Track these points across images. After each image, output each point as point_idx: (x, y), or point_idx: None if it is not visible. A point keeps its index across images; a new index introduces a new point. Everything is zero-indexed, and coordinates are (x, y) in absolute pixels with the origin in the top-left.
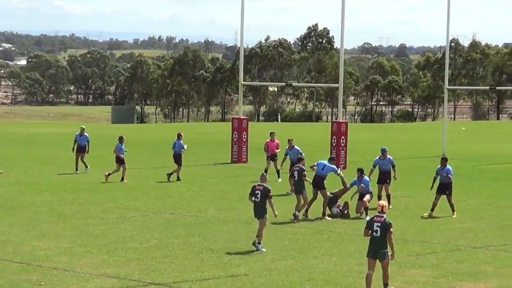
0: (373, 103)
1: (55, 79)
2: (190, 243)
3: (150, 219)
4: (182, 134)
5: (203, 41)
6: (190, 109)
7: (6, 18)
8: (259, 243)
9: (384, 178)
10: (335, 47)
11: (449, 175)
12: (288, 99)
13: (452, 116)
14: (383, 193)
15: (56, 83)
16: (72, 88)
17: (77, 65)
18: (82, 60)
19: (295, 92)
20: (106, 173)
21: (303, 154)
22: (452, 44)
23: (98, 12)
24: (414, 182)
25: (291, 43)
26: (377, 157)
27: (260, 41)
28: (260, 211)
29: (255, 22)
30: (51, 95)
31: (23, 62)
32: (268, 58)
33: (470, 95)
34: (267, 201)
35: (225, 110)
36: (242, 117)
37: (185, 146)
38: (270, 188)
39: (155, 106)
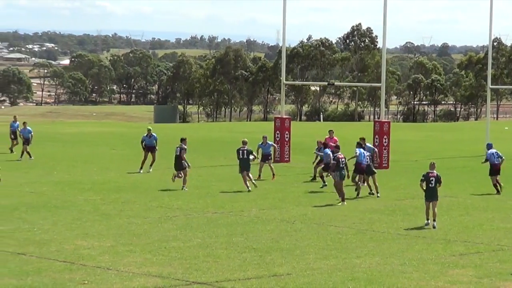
0: (415, 102)
1: (98, 78)
2: (232, 242)
3: (193, 218)
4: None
5: (245, 41)
6: (232, 109)
7: (49, 18)
8: (434, 220)
9: (496, 170)
10: (377, 46)
11: None
12: (330, 99)
13: (495, 115)
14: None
15: (99, 82)
16: (114, 87)
17: (119, 65)
18: (125, 60)
19: (337, 92)
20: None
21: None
22: (495, 44)
23: (139, 12)
24: (456, 182)
25: (333, 42)
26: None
27: (302, 40)
28: (435, 195)
29: (297, 21)
30: (94, 94)
31: (66, 61)
32: (310, 57)
33: None
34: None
35: (267, 110)
36: (284, 116)
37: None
38: (440, 175)
39: (197, 106)
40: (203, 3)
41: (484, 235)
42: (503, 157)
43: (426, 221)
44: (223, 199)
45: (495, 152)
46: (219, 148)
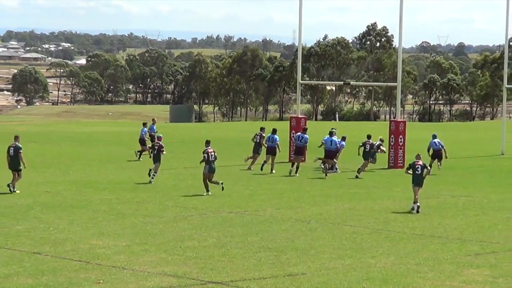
0: (431, 102)
1: (113, 78)
2: (248, 242)
3: (208, 218)
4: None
5: (261, 40)
6: (248, 108)
7: (65, 18)
8: (416, 202)
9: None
10: (393, 46)
11: None
12: (346, 98)
13: (511, 115)
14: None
15: (115, 82)
16: (130, 87)
17: (135, 64)
18: (141, 59)
19: (353, 91)
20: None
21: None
22: (511, 43)
23: (156, 11)
24: (472, 182)
25: (349, 41)
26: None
27: (318, 40)
28: (421, 181)
29: (313, 21)
30: (110, 94)
31: (82, 61)
32: (327, 57)
33: None
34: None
35: (283, 109)
36: (300, 116)
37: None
38: (426, 164)
39: (213, 105)
40: (220, 3)
41: (499, 235)
42: (445, 147)
43: (412, 205)
44: (238, 198)
45: (437, 141)
46: (234, 148)
